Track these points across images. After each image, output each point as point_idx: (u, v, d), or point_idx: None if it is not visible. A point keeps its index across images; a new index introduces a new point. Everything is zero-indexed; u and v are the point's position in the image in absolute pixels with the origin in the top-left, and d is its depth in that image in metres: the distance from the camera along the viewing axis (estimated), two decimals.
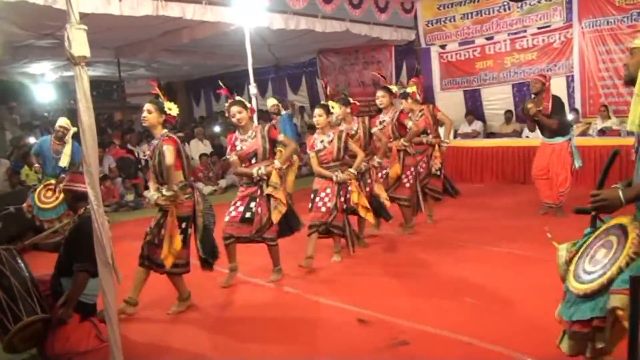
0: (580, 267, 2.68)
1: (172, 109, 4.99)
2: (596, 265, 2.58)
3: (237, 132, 5.66)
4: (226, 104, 5.68)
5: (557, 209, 7.59)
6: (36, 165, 8.26)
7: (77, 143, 8.21)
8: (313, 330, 4.47)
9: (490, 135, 11.75)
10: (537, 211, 7.80)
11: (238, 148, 5.57)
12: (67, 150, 8.10)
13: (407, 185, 7.09)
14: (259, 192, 5.51)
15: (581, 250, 2.78)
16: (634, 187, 2.60)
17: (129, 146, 13.12)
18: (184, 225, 4.91)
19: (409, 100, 7.55)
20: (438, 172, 7.55)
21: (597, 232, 2.76)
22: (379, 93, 7.02)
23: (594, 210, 2.65)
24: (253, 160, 5.54)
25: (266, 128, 5.58)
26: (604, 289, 2.46)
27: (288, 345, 4.25)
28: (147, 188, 11.59)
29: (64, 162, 8.10)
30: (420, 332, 4.22)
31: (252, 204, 5.52)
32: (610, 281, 2.44)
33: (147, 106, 4.94)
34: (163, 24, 9.44)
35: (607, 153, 9.17)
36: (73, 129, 8.10)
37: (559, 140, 7.48)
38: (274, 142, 5.61)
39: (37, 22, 8.86)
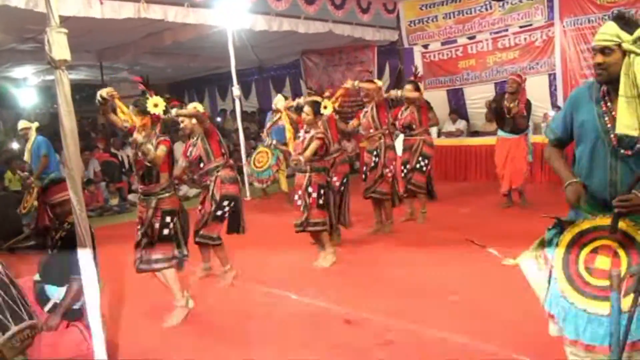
0: (580, 282, 2.59)
1: (159, 104, 4.76)
2: (609, 277, 2.41)
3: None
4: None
5: (521, 199, 8.19)
6: (24, 173, 8.39)
7: (40, 137, 8.31)
8: (300, 331, 4.48)
9: (473, 133, 11.80)
10: (505, 204, 8.27)
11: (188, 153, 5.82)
12: (29, 146, 8.36)
13: (389, 179, 7.16)
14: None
15: (558, 261, 2.69)
16: None
17: (113, 150, 13.05)
18: (168, 219, 4.85)
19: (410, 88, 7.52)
20: (423, 168, 7.62)
21: (567, 238, 2.69)
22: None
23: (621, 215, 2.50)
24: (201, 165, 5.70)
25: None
26: None
27: (275, 346, 4.26)
28: (131, 192, 11.62)
29: (27, 157, 8.22)
30: (405, 331, 4.25)
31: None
32: None
33: (133, 109, 4.90)
34: (145, 26, 9.40)
35: None
36: (34, 124, 8.24)
37: (517, 135, 8.04)
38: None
39: (19, 26, 8.80)
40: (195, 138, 5.72)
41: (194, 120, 5.67)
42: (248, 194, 10.61)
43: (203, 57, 14.29)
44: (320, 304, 5.02)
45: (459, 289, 5.05)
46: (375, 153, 7.10)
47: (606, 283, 2.43)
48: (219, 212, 5.62)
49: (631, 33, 2.50)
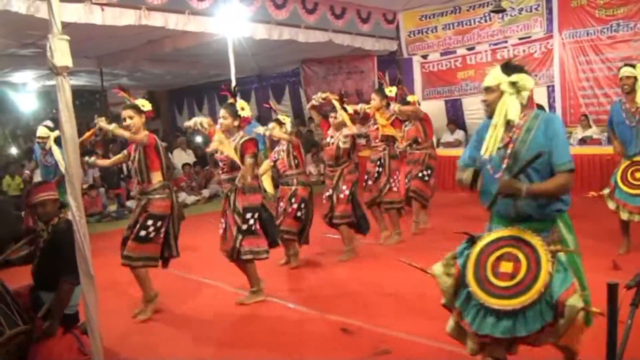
0: (485, 284, 2.94)
1: (145, 105, 5.08)
2: (511, 278, 2.87)
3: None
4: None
5: None
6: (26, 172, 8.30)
7: (57, 148, 8.18)
8: (296, 340, 4.48)
9: None
10: None
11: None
12: (58, 156, 7.93)
13: (395, 189, 7.13)
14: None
15: (469, 268, 3.05)
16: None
17: (112, 156, 13.01)
18: (159, 223, 4.97)
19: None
20: (425, 177, 7.67)
21: (477, 248, 3.09)
22: (373, 95, 7.21)
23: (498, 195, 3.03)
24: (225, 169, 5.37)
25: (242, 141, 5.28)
26: (541, 297, 2.76)
27: (272, 355, 4.25)
28: (129, 198, 11.60)
29: (62, 166, 8.03)
30: (402, 341, 4.25)
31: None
32: (546, 287, 2.76)
33: (127, 112, 4.95)
34: (145, 33, 9.42)
35: (588, 161, 9.36)
36: (53, 134, 8.04)
37: None
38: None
39: (19, 31, 8.81)
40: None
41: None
42: None
43: (203, 65, 14.30)
44: (316, 312, 5.02)
45: None
46: (379, 163, 7.10)
47: (509, 284, 2.86)
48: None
49: (509, 76, 3.07)
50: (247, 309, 5.28)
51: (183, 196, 11.46)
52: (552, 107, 10.56)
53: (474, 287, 2.97)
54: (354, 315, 4.81)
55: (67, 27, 3.53)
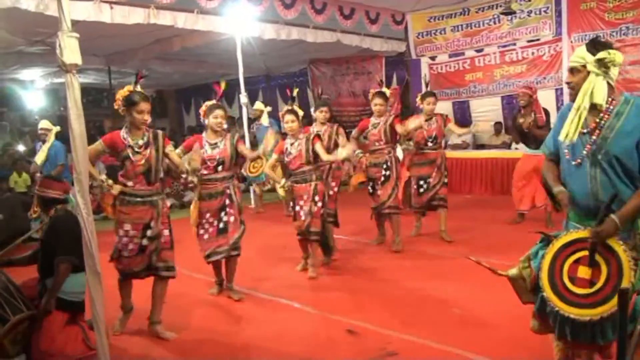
0: (560, 289, 2.79)
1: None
2: (590, 285, 2.69)
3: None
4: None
5: (547, 220, 7.63)
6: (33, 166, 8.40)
7: (59, 143, 8.24)
8: (302, 341, 4.46)
9: (479, 146, 11.80)
10: (516, 221, 8.02)
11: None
12: (45, 147, 8.16)
13: (398, 194, 7.04)
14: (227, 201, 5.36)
15: (544, 271, 2.89)
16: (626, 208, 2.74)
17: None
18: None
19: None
20: (446, 181, 7.44)
21: (552, 250, 2.90)
22: (377, 100, 6.88)
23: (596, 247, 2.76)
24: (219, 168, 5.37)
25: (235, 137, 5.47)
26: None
27: (276, 356, 4.24)
28: None
29: (39, 158, 8.16)
30: (408, 343, 4.23)
31: (223, 214, 5.38)
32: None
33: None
34: (154, 32, 9.44)
35: None
36: (55, 128, 8.16)
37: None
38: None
39: (28, 29, 8.84)
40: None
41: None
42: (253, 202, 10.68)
43: (211, 64, 14.33)
44: (321, 313, 5.01)
45: (462, 301, 5.03)
46: (385, 166, 6.82)
47: (588, 291, 2.69)
48: None
49: (595, 55, 2.82)
50: (251, 309, 5.26)
51: (190, 195, 11.45)
52: (560, 110, 10.51)
53: (548, 291, 2.83)
54: (360, 317, 4.79)
55: (76, 25, 3.53)
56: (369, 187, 7.02)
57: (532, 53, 10.86)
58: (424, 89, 12.18)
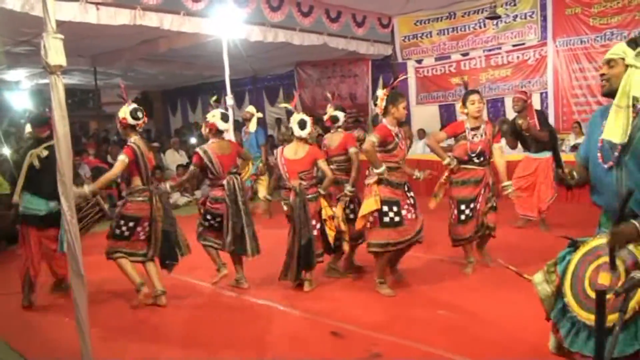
0: (580, 296, 2.73)
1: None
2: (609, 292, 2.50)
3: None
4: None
5: (541, 223, 7.64)
6: None
7: None
8: (287, 343, 4.47)
9: None
10: (515, 224, 7.89)
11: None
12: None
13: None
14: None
15: (567, 277, 2.83)
16: None
17: (110, 159, 12.89)
18: (131, 224, 5.32)
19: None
20: (495, 205, 5.97)
21: (578, 255, 2.83)
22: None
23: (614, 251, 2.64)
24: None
25: None
26: (637, 316, 2.50)
27: (262, 357, 4.24)
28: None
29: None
30: (393, 344, 4.24)
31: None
32: None
33: None
34: (140, 33, 9.42)
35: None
36: None
37: (546, 155, 7.44)
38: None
39: (13, 29, 8.79)
40: None
41: None
42: None
43: (197, 66, 14.31)
44: (306, 315, 5.01)
45: (449, 304, 5.05)
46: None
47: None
48: None
49: (635, 49, 2.72)
50: (237, 311, 5.26)
51: (175, 197, 11.42)
52: (544, 113, 10.60)
53: (569, 297, 2.78)
54: (344, 318, 4.79)
55: (61, 25, 3.52)
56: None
57: (517, 57, 10.96)
58: (411, 94, 12.36)
